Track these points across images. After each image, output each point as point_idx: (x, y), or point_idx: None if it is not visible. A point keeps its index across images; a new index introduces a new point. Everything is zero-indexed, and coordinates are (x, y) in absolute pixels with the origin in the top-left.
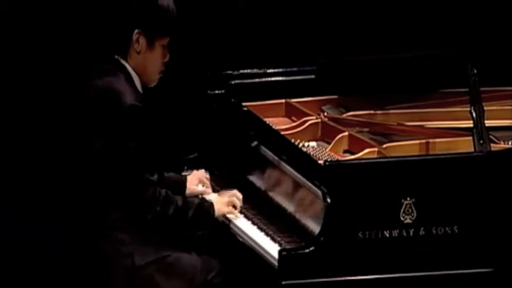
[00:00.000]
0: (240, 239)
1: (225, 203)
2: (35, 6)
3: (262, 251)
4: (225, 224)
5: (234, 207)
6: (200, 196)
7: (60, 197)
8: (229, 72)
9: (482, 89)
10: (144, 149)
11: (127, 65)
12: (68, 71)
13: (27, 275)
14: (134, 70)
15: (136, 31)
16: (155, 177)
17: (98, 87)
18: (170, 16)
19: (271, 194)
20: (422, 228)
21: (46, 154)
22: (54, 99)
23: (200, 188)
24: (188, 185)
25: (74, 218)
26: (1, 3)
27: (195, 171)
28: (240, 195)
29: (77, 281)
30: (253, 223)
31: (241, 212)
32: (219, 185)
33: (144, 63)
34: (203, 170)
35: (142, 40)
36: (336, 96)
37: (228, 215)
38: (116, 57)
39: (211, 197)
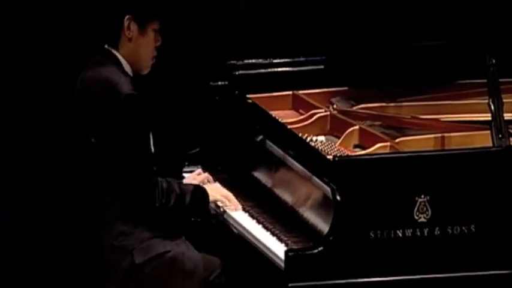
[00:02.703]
0: (245, 239)
1: (218, 190)
2: (35, 6)
3: (267, 252)
4: (227, 222)
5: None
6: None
7: (60, 197)
8: (233, 62)
9: (500, 80)
10: (145, 137)
11: (118, 55)
12: (66, 69)
13: (27, 275)
14: (126, 59)
15: (127, 17)
16: (154, 168)
17: (92, 79)
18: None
19: (277, 191)
20: (437, 228)
21: (46, 154)
22: (53, 99)
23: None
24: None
25: (74, 216)
26: (1, 3)
27: (195, 175)
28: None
29: (77, 280)
30: (259, 222)
31: (245, 211)
32: (222, 183)
33: (137, 49)
34: (206, 174)
35: (133, 26)
36: (346, 88)
37: (220, 203)
38: (106, 47)
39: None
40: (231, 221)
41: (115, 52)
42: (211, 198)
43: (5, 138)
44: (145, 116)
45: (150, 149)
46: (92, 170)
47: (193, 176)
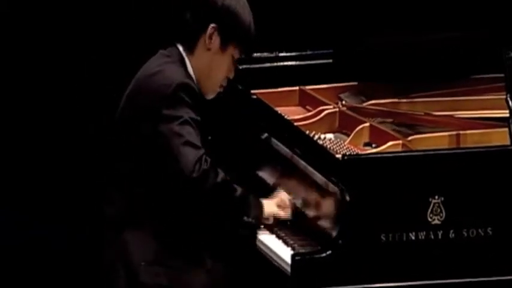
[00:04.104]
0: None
1: (273, 203)
2: (35, 6)
3: (273, 255)
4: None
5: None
6: None
7: (60, 197)
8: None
9: None
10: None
11: (187, 62)
12: (66, 69)
13: (27, 275)
14: (195, 71)
15: (213, 25)
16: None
17: (150, 72)
18: (251, 29)
19: (283, 191)
20: (451, 231)
21: (46, 154)
22: (54, 99)
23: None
24: None
25: (74, 216)
26: (1, 3)
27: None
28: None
29: (77, 280)
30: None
31: None
32: None
33: (210, 64)
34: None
35: (215, 38)
36: (355, 83)
37: (279, 214)
38: (179, 47)
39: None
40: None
41: (185, 57)
42: (267, 211)
43: (5, 138)
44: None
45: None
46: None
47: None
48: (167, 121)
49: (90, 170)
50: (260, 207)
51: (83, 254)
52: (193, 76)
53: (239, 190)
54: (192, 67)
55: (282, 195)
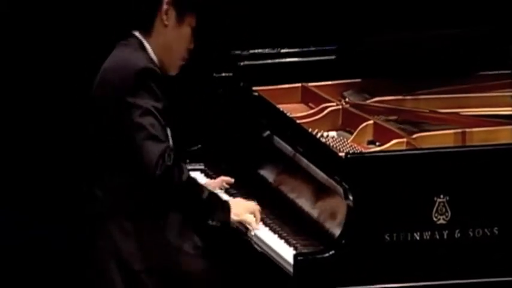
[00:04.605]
0: (250, 242)
1: (244, 207)
2: (35, 6)
3: (274, 255)
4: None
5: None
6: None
7: (60, 197)
8: (238, 52)
9: None
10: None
11: (147, 44)
12: (66, 69)
13: (27, 275)
14: (155, 51)
15: (166, 0)
16: (170, 144)
17: (114, 66)
18: None
19: (285, 190)
20: (457, 230)
21: (46, 154)
22: (54, 99)
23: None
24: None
25: (74, 216)
26: (1, 3)
27: (209, 182)
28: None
29: (77, 280)
30: (265, 224)
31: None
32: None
33: (170, 41)
34: (222, 177)
35: (171, 12)
36: (359, 80)
37: (248, 224)
38: (136, 34)
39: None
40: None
41: (144, 41)
42: (234, 215)
43: (5, 138)
44: (166, 97)
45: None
46: (99, 168)
47: (208, 183)
48: (129, 111)
49: (91, 170)
50: (227, 211)
51: (83, 254)
52: (154, 58)
53: (206, 192)
54: (152, 49)
55: (254, 206)
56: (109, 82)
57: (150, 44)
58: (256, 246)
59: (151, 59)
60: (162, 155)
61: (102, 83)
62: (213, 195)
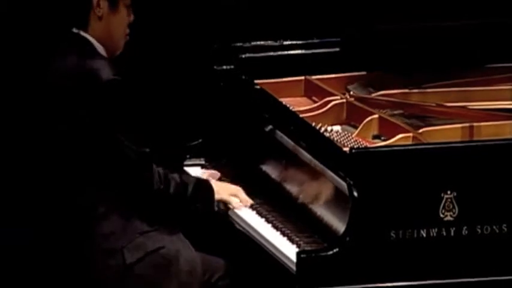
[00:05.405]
0: (253, 239)
1: (226, 188)
2: (35, 7)
3: (277, 253)
4: (232, 220)
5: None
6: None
7: (24, 200)
8: (240, 44)
9: None
10: (132, 122)
11: (89, 37)
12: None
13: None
14: (98, 40)
15: None
16: (148, 151)
17: (65, 69)
18: None
19: (288, 186)
20: (465, 227)
21: (19, 155)
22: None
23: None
24: None
25: (40, 220)
26: (1, 3)
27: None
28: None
29: (66, 283)
30: (268, 221)
31: (253, 208)
32: (227, 177)
33: (109, 28)
34: (211, 171)
35: (103, 3)
36: (364, 73)
37: (231, 205)
38: (75, 31)
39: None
40: (237, 219)
41: (84, 34)
42: (217, 196)
43: (5, 138)
44: (132, 99)
45: (140, 134)
46: (72, 169)
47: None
48: (102, 124)
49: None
50: (209, 191)
51: (50, 258)
52: (103, 53)
53: (182, 184)
54: (96, 41)
55: (236, 188)
56: (65, 88)
57: (93, 37)
58: (258, 242)
59: (100, 55)
60: (139, 159)
61: (55, 87)
62: (196, 186)
